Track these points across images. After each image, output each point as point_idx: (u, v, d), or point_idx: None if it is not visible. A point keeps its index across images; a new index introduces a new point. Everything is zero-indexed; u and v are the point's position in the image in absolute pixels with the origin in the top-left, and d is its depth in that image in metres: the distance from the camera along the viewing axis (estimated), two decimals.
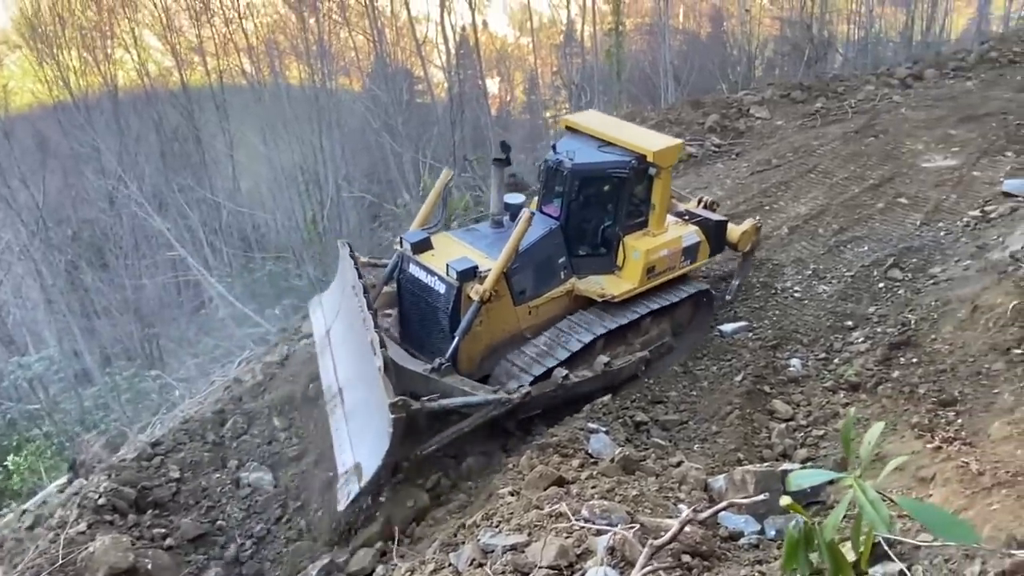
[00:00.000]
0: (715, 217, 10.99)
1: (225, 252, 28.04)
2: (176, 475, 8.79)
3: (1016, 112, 16.88)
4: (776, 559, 5.35)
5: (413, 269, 8.96)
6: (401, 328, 9.44)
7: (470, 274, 8.39)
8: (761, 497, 4.53)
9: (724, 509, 4.08)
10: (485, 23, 42.08)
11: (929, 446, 6.66)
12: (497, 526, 5.69)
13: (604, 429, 8.23)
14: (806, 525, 1.95)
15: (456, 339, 8.33)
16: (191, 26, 33.03)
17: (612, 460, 7.16)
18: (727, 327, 10.77)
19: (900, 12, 34.33)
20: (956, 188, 14.03)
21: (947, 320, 9.35)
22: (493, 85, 44.88)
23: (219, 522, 8.34)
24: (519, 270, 8.87)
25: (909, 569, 5.16)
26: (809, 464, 7.77)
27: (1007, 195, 13.20)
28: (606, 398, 9.09)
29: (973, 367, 8.03)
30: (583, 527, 5.06)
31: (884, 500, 1.95)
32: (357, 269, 8.89)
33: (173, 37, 32.38)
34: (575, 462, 7.16)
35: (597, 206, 9.57)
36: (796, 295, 11.50)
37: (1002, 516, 5.16)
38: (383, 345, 7.40)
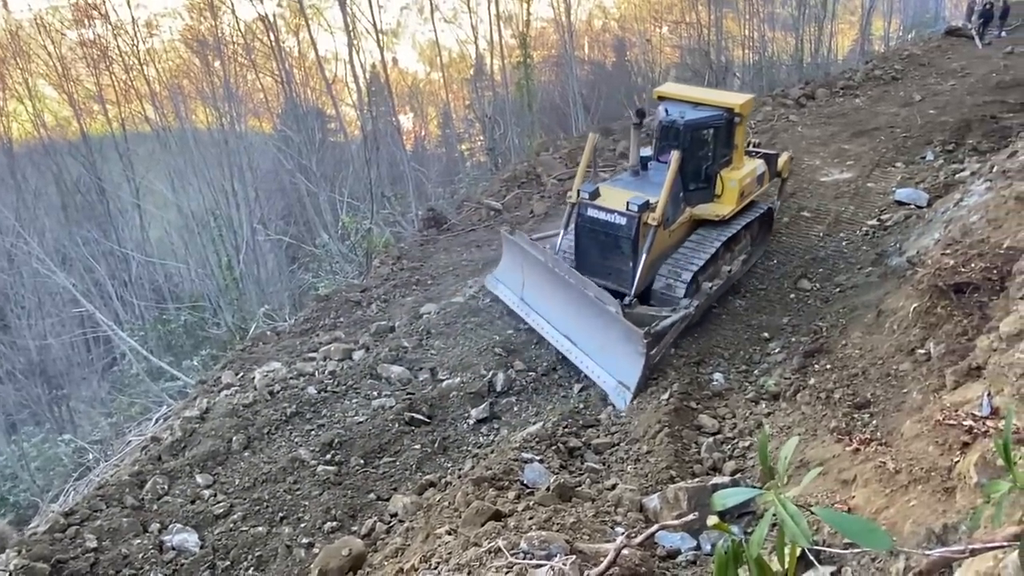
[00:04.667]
0: (770, 152, 13.88)
1: (136, 304, 26.95)
2: (93, 545, 8.28)
3: (902, 125, 17.94)
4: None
5: (592, 212, 11.30)
6: (577, 260, 11.69)
7: (645, 206, 10.83)
8: (691, 516, 4.60)
9: (656, 532, 4.12)
10: (395, 60, 42.32)
11: (848, 449, 6.91)
12: (436, 568, 5.60)
13: (538, 458, 8.23)
14: (733, 542, 1.99)
15: (641, 264, 10.92)
16: (89, 74, 31.97)
17: (548, 489, 7.16)
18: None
19: (790, 36, 36.21)
20: (853, 199, 14.78)
21: (855, 325, 9.78)
22: (407, 121, 45.00)
23: None
24: (666, 204, 11.02)
25: (840, 571, 5.32)
26: (738, 475, 7.96)
27: (900, 203, 13.98)
28: (536, 428, 9.15)
29: (882, 369, 8.39)
30: (521, 563, 5.02)
31: (805, 510, 2.01)
32: (538, 247, 11.85)
33: (70, 86, 31.26)
34: (511, 494, 7.12)
35: (701, 151, 11.96)
36: (715, 311, 11.84)
37: (920, 511, 5.39)
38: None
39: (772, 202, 13.76)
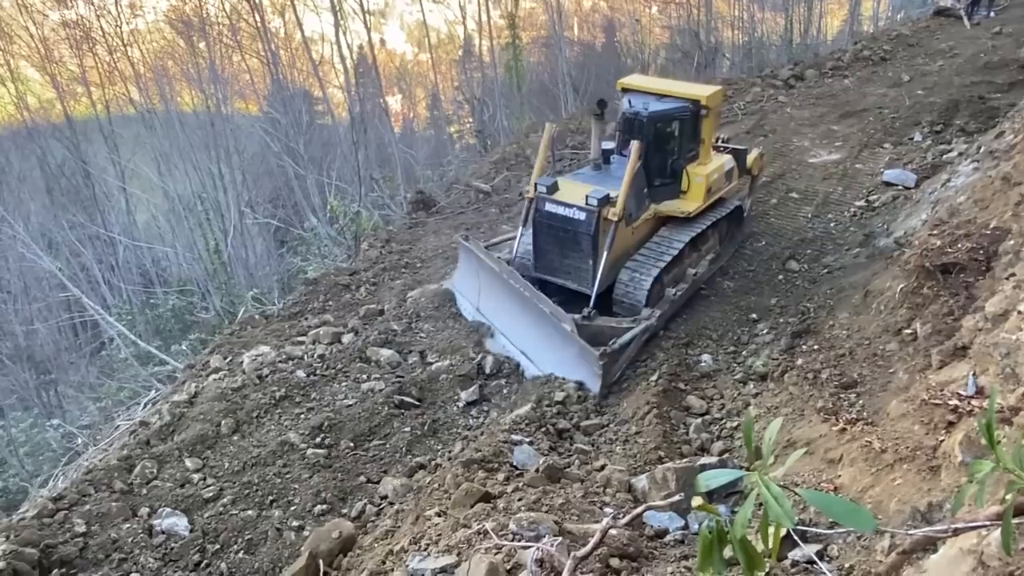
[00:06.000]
0: (740, 147, 13.32)
1: (124, 289, 26.75)
2: (82, 529, 8.27)
3: (890, 106, 17.94)
4: None
5: (550, 207, 10.84)
6: (536, 259, 11.30)
7: (605, 200, 10.43)
8: (679, 496, 4.62)
9: (644, 512, 4.14)
10: (383, 41, 41.97)
11: (834, 428, 6.97)
12: (426, 549, 5.63)
13: (528, 440, 8.26)
14: (717, 523, 2.00)
15: (602, 262, 10.51)
16: (72, 56, 31.51)
17: (537, 470, 7.20)
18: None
19: (779, 16, 36.05)
20: (842, 181, 14.80)
21: (843, 306, 9.83)
22: (395, 102, 44.69)
23: (133, 575, 7.90)
24: (626, 198, 10.66)
25: (825, 548, 5.38)
26: (726, 455, 8.01)
27: (888, 184, 14.02)
28: (525, 410, 9.17)
29: (869, 349, 8.46)
30: (510, 544, 5.05)
31: (788, 491, 2.01)
32: (493, 257, 11.43)
33: (53, 68, 30.79)
34: (500, 476, 7.16)
35: (666, 145, 11.54)
36: (703, 292, 11.87)
37: (905, 490, 5.45)
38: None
39: (742, 200, 13.29)
